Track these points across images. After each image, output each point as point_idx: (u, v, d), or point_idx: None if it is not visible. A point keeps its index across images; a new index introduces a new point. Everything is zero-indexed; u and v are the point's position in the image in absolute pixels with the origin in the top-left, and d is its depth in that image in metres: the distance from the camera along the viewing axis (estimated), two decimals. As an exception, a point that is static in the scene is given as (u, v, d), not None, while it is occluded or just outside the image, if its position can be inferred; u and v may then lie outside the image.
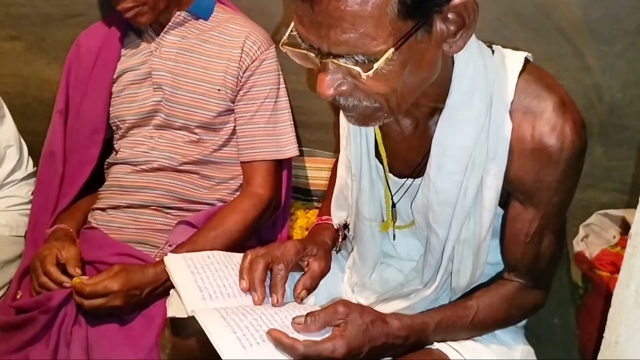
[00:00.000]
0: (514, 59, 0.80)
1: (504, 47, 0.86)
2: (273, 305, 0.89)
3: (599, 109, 1.38)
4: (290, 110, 1.36)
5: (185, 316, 0.87)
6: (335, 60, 0.65)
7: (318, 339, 0.79)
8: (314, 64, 0.70)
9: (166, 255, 1.11)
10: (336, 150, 1.57)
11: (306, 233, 1.47)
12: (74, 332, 1.11)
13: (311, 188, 1.58)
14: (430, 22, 0.65)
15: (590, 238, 1.42)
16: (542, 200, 0.80)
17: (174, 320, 0.92)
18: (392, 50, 0.63)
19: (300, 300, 0.92)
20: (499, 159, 0.78)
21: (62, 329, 1.11)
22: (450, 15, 0.66)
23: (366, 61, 0.64)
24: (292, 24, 0.69)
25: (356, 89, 0.69)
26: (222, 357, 0.76)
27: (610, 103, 1.37)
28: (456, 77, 0.75)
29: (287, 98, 1.35)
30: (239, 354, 0.76)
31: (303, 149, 1.52)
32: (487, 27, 1.30)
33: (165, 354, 0.95)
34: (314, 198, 1.58)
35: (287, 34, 0.71)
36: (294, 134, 1.36)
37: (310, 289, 0.94)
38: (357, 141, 0.90)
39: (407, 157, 0.88)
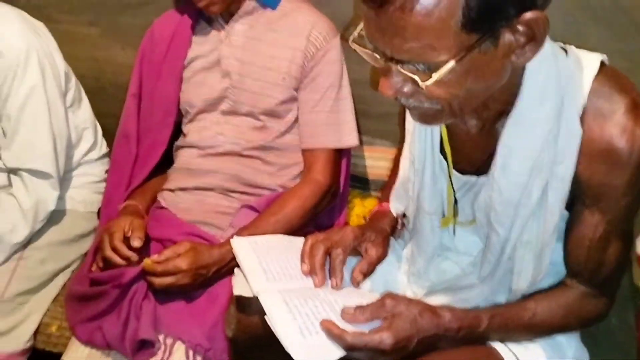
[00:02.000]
0: (589, 62, 0.78)
1: (577, 45, 0.85)
2: (332, 287, 0.93)
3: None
4: (352, 100, 1.38)
5: (251, 295, 0.91)
6: (397, 66, 0.67)
7: (367, 330, 0.82)
8: (379, 63, 0.71)
9: (230, 237, 1.18)
10: (395, 141, 1.59)
11: (362, 222, 1.51)
12: (143, 306, 1.17)
13: (369, 177, 1.60)
14: (497, 34, 0.64)
15: (656, 238, 1.38)
16: (609, 204, 0.79)
17: (239, 299, 0.97)
18: (453, 62, 0.64)
19: (357, 284, 0.95)
20: (567, 163, 0.78)
21: (132, 303, 1.17)
22: (520, 28, 0.65)
23: (427, 70, 0.66)
24: (362, 24, 0.71)
25: (417, 92, 0.70)
26: (283, 343, 0.80)
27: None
28: (527, 82, 0.75)
29: (350, 88, 1.37)
30: (297, 342, 0.80)
31: (363, 138, 1.53)
32: (558, 21, 1.26)
33: (230, 329, 1.01)
34: (372, 187, 1.60)
35: (356, 32, 0.73)
36: (355, 123, 1.38)
37: (366, 274, 0.98)
38: (422, 136, 0.92)
39: (472, 155, 0.88)
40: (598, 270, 0.85)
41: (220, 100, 1.34)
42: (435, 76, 0.65)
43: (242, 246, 0.99)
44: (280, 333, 0.81)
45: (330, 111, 1.33)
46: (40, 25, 1.40)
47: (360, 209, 1.55)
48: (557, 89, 0.76)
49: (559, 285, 0.91)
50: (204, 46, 1.35)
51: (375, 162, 1.59)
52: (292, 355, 0.79)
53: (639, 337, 1.29)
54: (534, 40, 0.66)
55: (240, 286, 0.96)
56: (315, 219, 1.36)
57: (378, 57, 0.69)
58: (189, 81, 1.37)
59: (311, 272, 0.94)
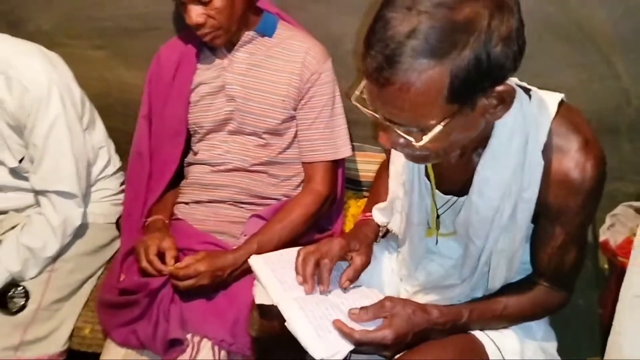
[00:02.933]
0: (549, 104, 0.94)
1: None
2: (320, 293, 1.09)
3: (627, 111, 1.51)
4: (344, 115, 1.53)
5: (271, 304, 1.08)
6: (393, 127, 0.83)
7: (371, 328, 1.00)
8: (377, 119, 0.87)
9: (242, 243, 1.35)
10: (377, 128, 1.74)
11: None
12: (171, 309, 1.34)
13: (361, 179, 1.77)
14: (474, 102, 0.80)
15: (616, 227, 1.58)
16: (566, 221, 0.97)
17: (261, 306, 1.13)
18: (440, 125, 0.80)
19: (344, 288, 1.11)
20: (532, 189, 0.94)
21: (161, 308, 1.34)
22: (493, 95, 0.81)
23: (419, 131, 0.81)
24: (363, 86, 0.85)
25: (410, 145, 0.85)
26: (302, 344, 0.97)
27: (638, 106, 1.49)
28: (498, 125, 0.91)
29: (342, 104, 1.52)
30: (315, 342, 0.97)
31: (354, 144, 1.68)
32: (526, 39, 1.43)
33: (254, 330, 1.18)
34: (364, 188, 1.77)
35: (358, 91, 0.87)
36: (348, 135, 1.53)
37: (352, 280, 1.13)
38: (410, 163, 1.08)
39: (452, 178, 1.05)
40: (558, 270, 1.04)
41: (227, 121, 1.48)
42: (426, 138, 0.81)
43: (258, 263, 1.16)
44: (299, 336, 0.99)
45: (325, 127, 1.48)
46: (54, 56, 1.52)
47: (354, 209, 1.72)
48: (523, 129, 0.93)
49: (526, 281, 1.09)
50: (208, 73, 1.49)
51: (366, 165, 1.75)
52: (312, 355, 0.96)
53: (601, 315, 1.49)
54: (504, 103, 0.83)
55: (260, 296, 1.13)
56: (316, 223, 1.53)
57: (378, 117, 0.84)
58: (196, 104, 1.50)
59: (303, 281, 1.09)
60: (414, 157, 0.91)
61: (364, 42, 0.79)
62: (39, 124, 1.41)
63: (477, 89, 0.79)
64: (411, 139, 0.82)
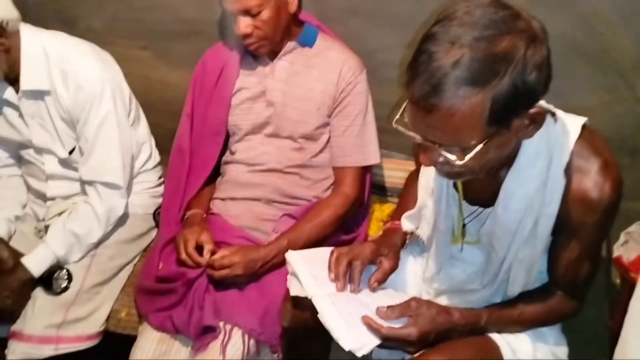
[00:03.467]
0: (573, 127, 1.02)
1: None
2: (351, 292, 1.17)
3: (647, 133, 1.58)
4: (375, 124, 1.61)
5: (304, 296, 1.17)
6: (436, 147, 0.91)
7: (398, 326, 1.09)
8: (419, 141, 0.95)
9: (274, 239, 1.44)
10: (409, 154, 1.83)
11: (381, 224, 1.77)
12: (205, 298, 1.43)
13: (387, 185, 1.85)
14: (510, 123, 0.88)
15: (630, 244, 1.65)
16: (583, 236, 1.05)
17: (294, 298, 1.22)
18: (480, 145, 0.88)
19: (373, 289, 1.20)
20: (553, 205, 1.02)
21: (196, 296, 1.44)
22: (526, 116, 0.89)
23: (460, 151, 0.89)
24: (405, 108, 0.93)
25: (449, 163, 0.93)
26: (333, 335, 1.06)
27: (657, 129, 1.56)
28: (524, 145, 0.99)
29: (373, 113, 1.60)
30: (345, 334, 1.06)
31: (382, 151, 1.76)
32: (553, 62, 1.50)
33: (286, 320, 1.28)
34: (389, 194, 1.86)
35: (399, 114, 0.95)
36: (378, 144, 1.62)
37: (380, 282, 1.21)
38: (439, 177, 1.16)
39: (479, 190, 1.13)
40: (573, 281, 1.12)
41: (265, 125, 1.58)
42: (467, 157, 0.89)
43: (295, 258, 1.25)
44: (331, 327, 1.08)
45: (357, 135, 1.57)
46: (107, 56, 1.62)
47: (379, 213, 1.81)
48: (547, 149, 1.00)
49: (542, 289, 1.17)
50: (250, 78, 1.58)
51: (393, 172, 1.84)
52: (342, 345, 1.05)
53: (611, 326, 1.56)
54: (535, 123, 0.91)
55: (294, 288, 1.21)
56: (344, 224, 1.62)
57: (419, 138, 0.92)
58: (237, 107, 1.60)
59: (335, 279, 1.18)
60: (451, 174, 0.99)
61: (409, 72, 0.87)
62: (91, 119, 1.51)
63: (514, 112, 0.87)
64: (452, 157, 0.90)
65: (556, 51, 1.48)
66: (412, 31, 1.54)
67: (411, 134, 0.93)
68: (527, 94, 0.85)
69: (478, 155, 0.89)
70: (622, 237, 1.65)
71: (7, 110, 1.57)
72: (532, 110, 0.88)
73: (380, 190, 1.86)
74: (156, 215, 1.80)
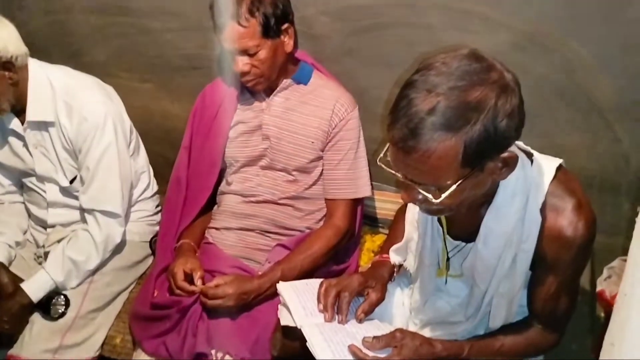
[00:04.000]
0: (548, 168, 1.08)
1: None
2: (338, 323, 1.22)
3: (626, 172, 1.64)
4: (366, 158, 1.68)
5: (294, 326, 1.21)
6: (415, 185, 0.97)
7: (383, 355, 1.13)
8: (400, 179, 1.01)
9: (267, 269, 1.49)
10: (399, 186, 1.89)
11: (372, 255, 1.82)
12: (199, 325, 1.47)
13: (378, 216, 1.90)
14: (484, 165, 0.95)
15: (613, 279, 1.69)
16: (559, 272, 1.10)
17: (284, 327, 1.27)
18: (455, 185, 0.94)
19: (359, 320, 1.24)
20: (530, 242, 1.08)
21: (190, 323, 1.47)
22: (499, 160, 0.95)
23: (437, 190, 0.96)
24: (388, 148, 0.99)
25: (428, 201, 0.99)
26: None
27: (637, 168, 1.62)
28: (502, 184, 1.05)
29: (364, 148, 1.67)
30: None
31: (373, 183, 1.82)
32: (532, 100, 1.56)
33: (276, 350, 1.32)
34: (380, 225, 1.91)
35: (382, 153, 1.02)
36: (369, 177, 1.68)
37: (367, 313, 1.26)
38: (424, 212, 1.22)
39: (462, 226, 1.18)
40: (552, 315, 1.16)
41: (261, 157, 1.64)
42: (443, 195, 0.95)
43: (286, 289, 1.30)
44: (318, 356, 1.12)
45: (349, 169, 1.63)
46: (110, 89, 1.70)
47: (370, 243, 1.86)
48: (524, 189, 1.06)
49: (523, 322, 1.22)
50: (247, 113, 1.65)
51: (384, 204, 1.89)
52: None
53: (594, 360, 1.60)
54: (508, 167, 0.97)
55: (285, 319, 1.26)
56: (335, 255, 1.67)
57: (400, 177, 0.99)
58: (234, 140, 1.66)
59: (324, 310, 1.23)
60: (430, 210, 1.05)
61: (391, 116, 0.94)
62: (93, 149, 1.58)
63: (486, 156, 0.93)
64: (429, 196, 0.96)
65: (540, 94, 1.55)
66: (401, 71, 1.62)
67: (392, 172, 0.99)
68: (498, 140, 0.91)
69: (453, 194, 0.95)
70: (605, 272, 1.69)
71: (12, 140, 1.63)
72: (504, 155, 0.95)
73: (371, 221, 1.91)
74: (152, 243, 1.84)
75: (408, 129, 0.90)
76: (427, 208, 1.04)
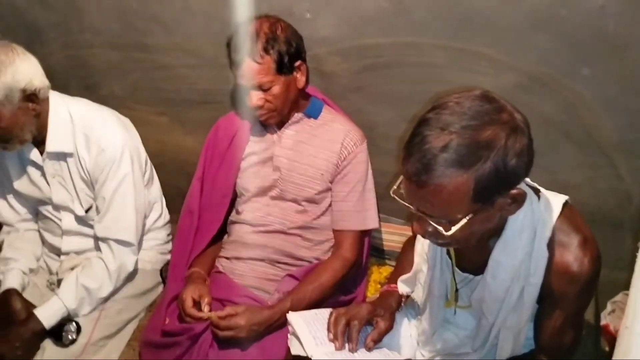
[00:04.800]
0: (555, 204, 1.12)
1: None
2: (349, 351, 1.24)
3: (628, 208, 1.67)
4: (374, 190, 1.72)
5: (304, 355, 1.24)
6: (426, 218, 1.01)
7: None
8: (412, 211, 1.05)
9: (276, 300, 1.51)
10: (406, 218, 1.93)
11: (378, 286, 1.84)
12: (209, 353, 1.49)
13: (385, 248, 1.94)
14: (493, 201, 0.99)
15: (617, 313, 1.71)
16: (565, 306, 1.13)
17: (294, 356, 1.29)
18: (465, 219, 0.98)
19: (369, 349, 1.27)
20: (538, 275, 1.11)
21: (200, 351, 1.50)
22: (508, 196, 1.00)
23: (447, 222, 1.00)
24: (401, 181, 1.04)
25: (438, 233, 1.03)
26: None
27: (638, 204, 1.66)
28: (510, 219, 1.09)
29: (372, 181, 1.71)
30: None
31: (381, 215, 1.86)
32: (539, 141, 1.62)
33: (286, 379, 1.33)
34: (387, 257, 1.94)
35: (395, 185, 1.06)
36: (377, 209, 1.72)
37: (376, 341, 1.29)
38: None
39: (470, 259, 1.22)
40: (557, 348, 1.19)
41: (271, 188, 1.68)
42: (454, 229, 0.99)
43: (296, 319, 1.33)
44: None
45: (357, 200, 1.67)
46: (127, 121, 1.75)
47: (376, 275, 1.89)
48: (531, 224, 1.10)
49: (529, 355, 1.24)
50: (259, 145, 1.70)
51: (391, 236, 1.93)
52: None
53: (600, 393, 1.61)
54: (517, 202, 1.02)
55: (295, 348, 1.29)
56: (343, 286, 1.69)
57: (412, 209, 1.03)
58: (245, 171, 1.71)
59: (334, 339, 1.26)
60: (440, 242, 1.09)
61: (405, 151, 0.99)
62: (109, 180, 1.62)
63: (496, 192, 0.98)
64: (440, 228, 1.00)
65: (543, 132, 1.60)
66: (408, 108, 1.68)
67: (405, 204, 1.03)
68: (508, 177, 0.96)
69: (463, 228, 0.99)
70: (609, 306, 1.71)
71: (31, 170, 1.68)
72: (513, 191, 0.99)
73: (378, 253, 1.94)
74: (163, 271, 1.87)
75: (422, 164, 0.94)
76: (437, 240, 1.08)
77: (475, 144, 0.93)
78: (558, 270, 1.10)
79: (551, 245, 1.11)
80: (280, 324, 1.52)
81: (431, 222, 1.01)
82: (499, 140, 0.94)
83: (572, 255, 1.09)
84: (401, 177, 1.04)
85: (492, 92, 1.01)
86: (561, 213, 1.12)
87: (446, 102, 0.99)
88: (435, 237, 1.07)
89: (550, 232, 1.11)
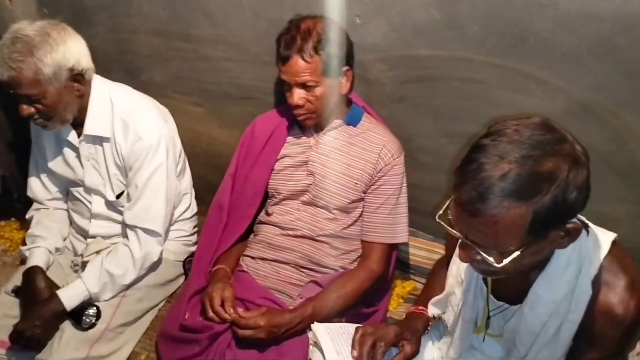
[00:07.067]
0: (603, 241, 1.08)
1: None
2: None
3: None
4: (407, 205, 1.69)
5: None
6: (475, 247, 0.98)
7: None
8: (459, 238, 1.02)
9: (298, 305, 1.49)
10: (434, 234, 1.89)
11: (401, 301, 1.81)
12: (226, 353, 1.48)
13: (410, 263, 1.90)
14: (548, 234, 0.96)
15: (645, 353, 1.67)
16: (602, 347, 1.09)
17: (315, 366, 1.28)
18: (518, 252, 0.95)
19: None
20: (578, 312, 1.08)
21: (218, 350, 1.48)
22: (563, 229, 0.96)
23: (497, 253, 0.96)
24: (449, 205, 1.01)
25: (485, 262, 1.00)
26: None
27: (680, 244, 1.61)
28: (557, 253, 1.06)
29: (406, 195, 1.68)
30: None
31: (409, 229, 1.83)
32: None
33: (306, 387, 1.32)
34: (412, 271, 1.90)
35: (441, 210, 1.03)
36: (407, 224, 1.69)
37: None
38: (471, 269, 1.22)
39: (508, 288, 1.19)
40: None
41: (303, 192, 1.66)
42: (505, 261, 0.96)
43: (320, 330, 1.31)
44: None
45: (389, 213, 1.64)
46: (166, 111, 1.75)
47: (400, 289, 1.86)
48: (578, 259, 1.07)
49: None
50: (295, 148, 1.68)
51: (417, 250, 1.89)
52: None
53: None
54: (570, 236, 0.98)
55: (316, 358, 1.27)
56: (366, 297, 1.67)
57: (461, 237, 1.00)
58: (279, 173, 1.69)
59: (359, 357, 1.23)
60: (486, 272, 1.06)
61: (458, 176, 0.95)
62: (143, 168, 1.62)
63: (552, 226, 0.94)
64: (490, 259, 0.97)
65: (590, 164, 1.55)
66: (449, 123, 1.65)
67: (452, 231, 1.00)
68: (566, 211, 0.93)
69: (514, 260, 0.96)
70: (638, 347, 1.67)
71: (66, 150, 1.68)
72: (569, 225, 0.96)
73: (403, 267, 1.91)
74: (186, 263, 1.86)
75: (477, 192, 0.91)
76: (484, 269, 1.04)
77: (536, 175, 0.90)
78: (600, 310, 1.06)
79: (596, 283, 1.07)
80: (300, 329, 1.50)
81: (480, 252, 0.98)
82: (561, 173, 0.91)
83: (618, 297, 1.05)
84: (448, 202, 1.01)
85: (552, 121, 0.98)
86: (609, 251, 1.08)
87: (504, 128, 0.96)
88: (482, 267, 1.03)
89: (597, 270, 1.07)
